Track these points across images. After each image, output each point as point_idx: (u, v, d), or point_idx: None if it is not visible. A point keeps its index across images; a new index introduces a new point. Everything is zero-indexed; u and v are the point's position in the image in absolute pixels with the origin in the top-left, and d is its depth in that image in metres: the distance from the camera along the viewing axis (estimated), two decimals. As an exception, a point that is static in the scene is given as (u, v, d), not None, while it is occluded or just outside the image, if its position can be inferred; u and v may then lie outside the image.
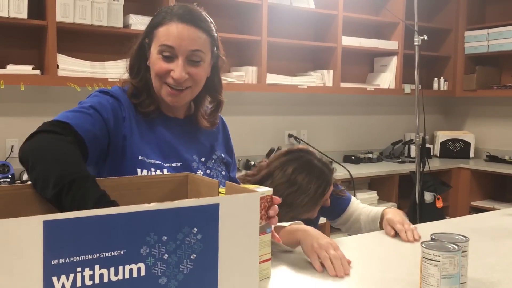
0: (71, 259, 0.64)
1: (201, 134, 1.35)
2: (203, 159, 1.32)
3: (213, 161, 1.35)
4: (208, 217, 0.75)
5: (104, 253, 0.67)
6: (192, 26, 1.19)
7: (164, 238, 0.71)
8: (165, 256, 0.71)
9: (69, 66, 2.62)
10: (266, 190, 1.08)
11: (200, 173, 1.28)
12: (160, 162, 1.21)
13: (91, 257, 0.66)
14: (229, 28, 3.40)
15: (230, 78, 3.21)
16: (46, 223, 0.62)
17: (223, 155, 1.39)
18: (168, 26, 1.18)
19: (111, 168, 1.17)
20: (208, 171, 1.31)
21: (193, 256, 0.74)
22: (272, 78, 3.31)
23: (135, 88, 1.25)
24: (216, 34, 1.29)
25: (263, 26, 3.24)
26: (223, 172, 1.36)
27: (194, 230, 0.74)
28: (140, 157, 1.19)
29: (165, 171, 1.20)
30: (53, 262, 0.63)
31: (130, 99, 1.24)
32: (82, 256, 0.65)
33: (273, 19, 3.30)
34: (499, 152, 4.22)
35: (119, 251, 0.68)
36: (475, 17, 4.33)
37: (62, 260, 0.64)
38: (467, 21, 4.29)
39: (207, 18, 1.26)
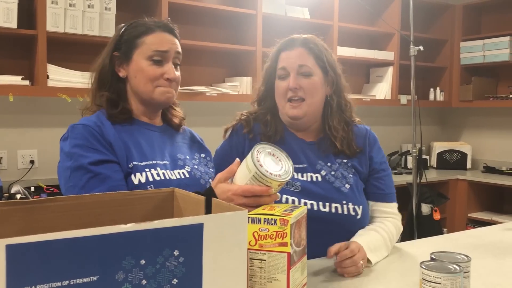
0: (37, 287, 0.58)
1: (179, 138, 1.43)
2: (188, 156, 1.39)
3: (197, 159, 1.42)
4: (191, 238, 0.69)
5: (75, 280, 0.61)
6: (172, 35, 1.35)
7: (143, 261, 0.65)
8: (143, 282, 0.65)
9: (59, 76, 2.57)
10: (304, 209, 1.03)
11: (188, 168, 1.35)
12: (152, 162, 1.27)
13: (60, 284, 0.60)
14: (224, 38, 3.36)
15: (225, 88, 3.17)
16: (9, 248, 0.57)
17: (203, 155, 1.46)
18: (156, 34, 1.31)
19: None
20: (195, 166, 1.38)
21: (175, 281, 0.68)
22: (267, 89, 3.26)
23: (111, 100, 1.31)
24: None
25: (257, 36, 3.21)
26: (211, 169, 1.44)
27: (176, 253, 0.68)
28: (131, 164, 1.23)
29: (158, 169, 1.26)
30: (17, 290, 0.57)
31: (109, 111, 1.29)
32: (50, 284, 0.59)
33: (268, 29, 3.27)
34: (496, 163, 4.17)
35: (92, 277, 0.62)
36: (470, 28, 4.31)
37: (28, 288, 0.58)
38: (463, 31, 4.27)
39: None
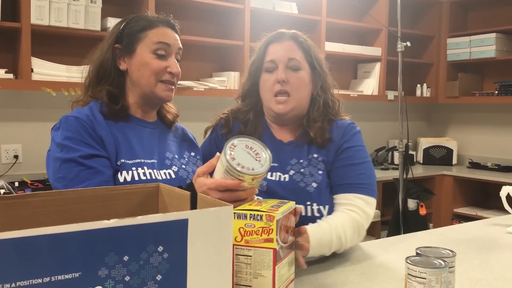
0: (17, 284, 0.57)
1: (170, 136, 1.42)
2: (176, 156, 1.38)
3: (186, 158, 1.41)
4: (176, 234, 0.68)
5: (56, 276, 0.60)
6: (173, 31, 1.35)
7: (126, 258, 0.64)
8: (127, 278, 0.64)
9: (44, 70, 2.53)
10: (292, 204, 1.02)
11: (174, 168, 1.34)
12: (139, 160, 1.26)
13: (41, 281, 0.59)
14: (211, 33, 3.34)
15: (212, 83, 3.15)
16: (-12, 244, 0.55)
17: (193, 153, 1.45)
18: (159, 29, 1.32)
19: None
20: (183, 166, 1.37)
21: (159, 277, 0.67)
22: (255, 84, 3.26)
23: (111, 95, 1.29)
24: None
25: (245, 31, 3.20)
26: None
27: (160, 249, 0.67)
28: (119, 162, 1.23)
29: (145, 168, 1.26)
30: (-4, 287, 0.56)
31: (109, 107, 1.28)
32: (31, 280, 0.58)
33: (256, 24, 3.25)
34: (482, 159, 4.22)
35: (73, 274, 0.61)
36: (457, 24, 4.34)
37: (7, 285, 0.57)
38: (450, 28, 4.29)
39: None
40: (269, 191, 1.36)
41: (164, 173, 1.31)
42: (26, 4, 2.41)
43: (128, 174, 1.22)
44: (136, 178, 1.23)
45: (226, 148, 1.01)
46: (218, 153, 1.07)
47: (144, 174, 1.25)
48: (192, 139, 1.50)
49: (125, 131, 1.29)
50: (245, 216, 0.93)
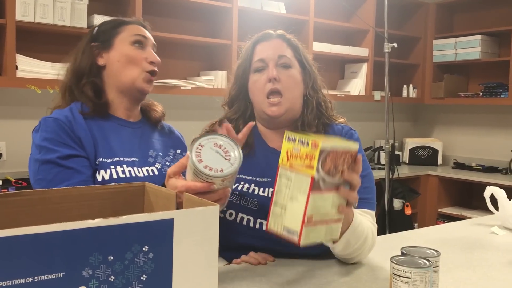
0: (-1, 284, 0.56)
1: (155, 135, 1.42)
2: (160, 153, 1.38)
3: (171, 156, 1.40)
4: (161, 233, 0.68)
5: (39, 277, 0.59)
6: (146, 30, 1.40)
7: (110, 258, 0.64)
8: (111, 278, 0.64)
9: (29, 67, 2.50)
10: (354, 146, 0.99)
11: (158, 165, 1.34)
12: (118, 159, 1.26)
13: (24, 281, 0.58)
14: (199, 32, 3.33)
15: (199, 82, 3.14)
16: (-31, 244, 0.54)
17: (179, 150, 1.44)
18: (133, 26, 1.37)
19: None
20: (167, 163, 1.36)
21: (144, 277, 0.67)
22: (242, 83, 3.25)
23: (95, 87, 1.32)
24: None
25: (233, 30, 3.19)
26: None
27: (145, 248, 0.67)
28: (98, 161, 1.23)
29: (124, 166, 1.25)
30: (-23, 288, 0.55)
31: (93, 101, 1.29)
32: (13, 281, 0.57)
33: (244, 23, 3.25)
34: (466, 160, 4.27)
35: (57, 274, 0.60)
36: (443, 26, 4.38)
37: (-11, 286, 0.56)
38: (436, 29, 4.33)
39: None
40: (263, 210, 1.24)
41: (147, 170, 1.30)
42: (11, 0, 2.38)
43: (106, 172, 1.22)
44: (115, 176, 1.22)
45: (192, 150, 0.97)
46: (188, 153, 1.01)
47: (123, 172, 1.24)
48: (179, 136, 1.49)
49: (104, 131, 1.29)
50: (294, 140, 0.96)
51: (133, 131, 1.36)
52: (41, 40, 2.70)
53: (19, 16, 2.41)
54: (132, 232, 0.65)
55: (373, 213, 1.31)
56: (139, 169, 1.29)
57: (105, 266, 0.63)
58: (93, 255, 0.62)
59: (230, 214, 1.27)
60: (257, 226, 1.25)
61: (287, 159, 0.96)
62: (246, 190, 1.28)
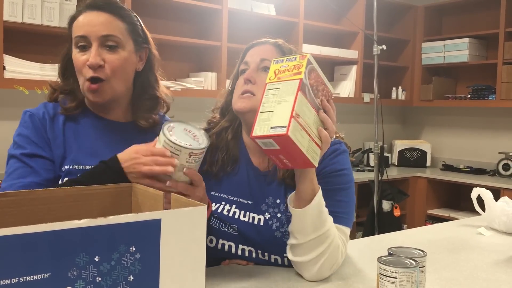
0: (-16, 285, 0.56)
1: (140, 138, 1.19)
2: None
3: None
4: (148, 234, 0.68)
5: (25, 277, 0.59)
6: (104, 12, 1.18)
7: (97, 258, 0.63)
8: (98, 279, 0.64)
9: (16, 68, 2.48)
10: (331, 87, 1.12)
11: None
12: (87, 166, 1.17)
13: (9, 282, 0.58)
14: (189, 33, 3.33)
15: (189, 83, 3.14)
16: (-47, 244, 0.54)
17: None
18: (79, 18, 1.19)
19: None
20: None
21: (131, 278, 0.67)
22: (232, 85, 3.25)
23: (63, 92, 1.25)
24: (139, 25, 1.28)
25: (223, 32, 3.19)
26: None
27: (132, 249, 0.66)
28: (64, 168, 1.17)
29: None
30: (-38, 289, 0.55)
31: (79, 95, 1.23)
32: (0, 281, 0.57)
33: (234, 25, 3.25)
34: (454, 161, 4.30)
35: (43, 274, 0.60)
36: (432, 29, 4.42)
37: (-26, 287, 0.56)
38: (424, 32, 4.37)
39: (125, 7, 1.25)
40: (244, 236, 1.23)
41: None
42: (-2, 0, 2.36)
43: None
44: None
45: (164, 127, 1.03)
46: (156, 138, 1.06)
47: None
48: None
49: (81, 134, 1.21)
50: (282, 61, 1.05)
51: (113, 132, 1.25)
52: (29, 40, 2.68)
53: (6, 17, 2.39)
54: (119, 233, 0.65)
55: (346, 230, 1.20)
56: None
57: (92, 266, 0.63)
58: (79, 256, 0.62)
59: (211, 241, 1.25)
60: (239, 252, 1.24)
61: (275, 76, 1.04)
62: (227, 213, 1.26)
